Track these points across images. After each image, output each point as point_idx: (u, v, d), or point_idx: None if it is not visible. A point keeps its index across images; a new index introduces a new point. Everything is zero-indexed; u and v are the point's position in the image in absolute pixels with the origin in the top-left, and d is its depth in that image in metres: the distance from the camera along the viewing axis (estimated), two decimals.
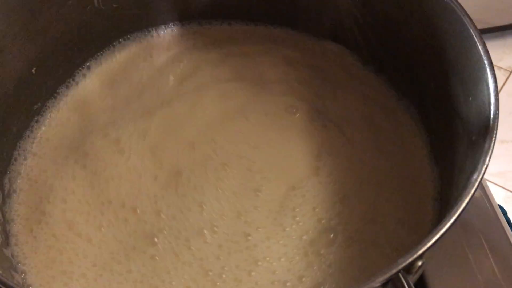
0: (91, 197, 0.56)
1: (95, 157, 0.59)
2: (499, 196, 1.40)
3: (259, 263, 0.51)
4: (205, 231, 0.53)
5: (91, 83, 0.65)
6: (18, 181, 0.57)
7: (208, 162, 0.58)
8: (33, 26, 0.57)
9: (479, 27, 0.49)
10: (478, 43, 0.48)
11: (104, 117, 0.62)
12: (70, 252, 0.53)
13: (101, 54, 0.66)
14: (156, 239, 0.53)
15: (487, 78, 0.46)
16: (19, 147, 0.59)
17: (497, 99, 0.45)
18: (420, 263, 0.38)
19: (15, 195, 0.56)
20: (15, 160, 0.58)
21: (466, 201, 0.39)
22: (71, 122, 0.62)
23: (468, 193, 0.40)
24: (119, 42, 0.67)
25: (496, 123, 0.43)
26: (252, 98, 0.63)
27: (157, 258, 0.51)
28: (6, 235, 0.53)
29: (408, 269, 0.37)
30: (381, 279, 0.36)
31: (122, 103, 0.63)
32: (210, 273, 0.51)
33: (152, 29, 0.68)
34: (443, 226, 0.38)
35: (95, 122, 0.62)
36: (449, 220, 0.38)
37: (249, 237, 0.53)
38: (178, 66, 0.66)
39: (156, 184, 0.56)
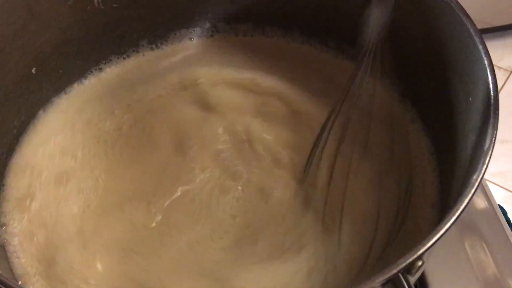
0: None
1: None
2: (499, 196, 1.40)
3: None
4: None
5: (91, 84, 0.65)
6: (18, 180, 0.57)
7: None
8: (33, 26, 0.57)
9: (479, 27, 0.49)
10: (478, 43, 0.48)
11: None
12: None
13: (102, 54, 0.66)
14: None
15: (487, 78, 0.46)
16: (19, 147, 0.59)
17: (497, 99, 0.45)
18: (420, 263, 0.38)
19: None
20: (16, 160, 0.58)
21: (466, 201, 0.39)
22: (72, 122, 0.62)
23: (468, 193, 0.40)
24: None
25: (496, 123, 0.43)
26: None
27: None
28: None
29: (408, 269, 0.37)
30: (381, 279, 0.36)
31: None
32: None
33: (153, 29, 0.68)
34: (443, 226, 0.38)
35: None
36: (449, 220, 0.38)
37: None
38: (183, 72, 0.66)
39: None
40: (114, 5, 0.63)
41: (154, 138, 0.61)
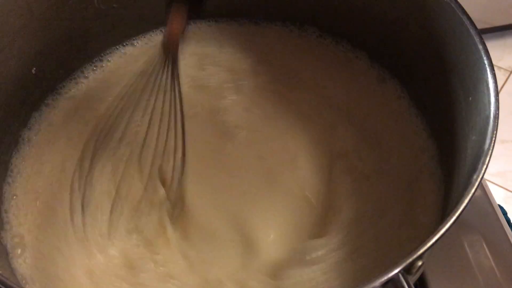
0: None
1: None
2: (499, 196, 1.40)
3: None
4: None
5: (91, 83, 0.65)
6: (19, 181, 0.57)
7: None
8: (33, 26, 0.57)
9: (479, 27, 0.49)
10: (478, 43, 0.48)
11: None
12: None
13: (102, 54, 0.66)
14: None
15: (487, 78, 0.46)
16: (20, 146, 0.59)
17: (497, 99, 0.45)
18: (420, 263, 0.38)
19: (14, 196, 0.56)
20: (16, 159, 0.58)
21: (466, 201, 0.39)
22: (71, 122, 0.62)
23: (468, 193, 0.40)
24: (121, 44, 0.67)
25: (496, 123, 0.43)
26: None
27: None
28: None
29: (408, 269, 0.37)
30: (381, 279, 0.36)
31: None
32: None
33: (153, 29, 0.68)
34: (443, 226, 0.38)
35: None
36: (449, 220, 0.38)
37: None
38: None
39: None
40: (114, 5, 0.63)
41: None
